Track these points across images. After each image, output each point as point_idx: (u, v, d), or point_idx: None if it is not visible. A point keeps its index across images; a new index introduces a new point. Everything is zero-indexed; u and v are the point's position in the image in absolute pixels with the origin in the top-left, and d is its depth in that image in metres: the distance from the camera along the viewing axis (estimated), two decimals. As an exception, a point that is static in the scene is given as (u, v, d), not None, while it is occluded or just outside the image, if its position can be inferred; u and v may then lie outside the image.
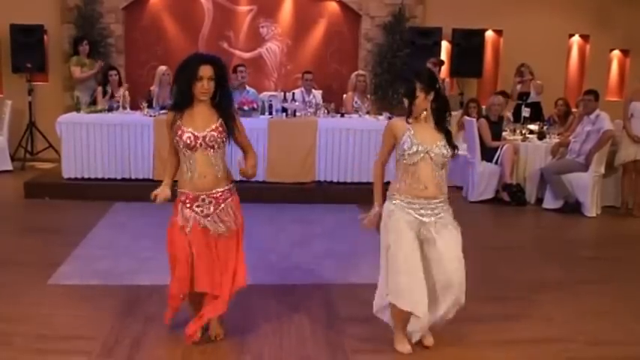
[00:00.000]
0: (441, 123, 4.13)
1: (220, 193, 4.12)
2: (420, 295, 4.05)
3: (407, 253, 4.05)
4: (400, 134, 4.09)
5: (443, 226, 4.11)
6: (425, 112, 4.08)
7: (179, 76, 4.03)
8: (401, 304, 4.09)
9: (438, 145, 4.05)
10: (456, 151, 4.15)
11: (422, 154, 4.02)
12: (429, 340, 4.40)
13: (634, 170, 8.68)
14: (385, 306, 4.37)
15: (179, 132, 4.02)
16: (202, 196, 4.08)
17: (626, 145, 8.62)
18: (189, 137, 3.99)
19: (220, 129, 4.05)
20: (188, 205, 4.10)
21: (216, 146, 4.05)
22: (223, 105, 4.10)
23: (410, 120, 4.11)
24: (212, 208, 4.10)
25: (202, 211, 4.09)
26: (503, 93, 10.40)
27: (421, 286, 4.05)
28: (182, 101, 4.05)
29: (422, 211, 4.07)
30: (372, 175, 4.39)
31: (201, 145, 4.01)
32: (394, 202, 4.13)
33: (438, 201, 4.10)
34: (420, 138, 4.04)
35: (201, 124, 4.03)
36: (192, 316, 4.36)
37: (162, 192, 4.19)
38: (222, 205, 4.13)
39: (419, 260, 4.07)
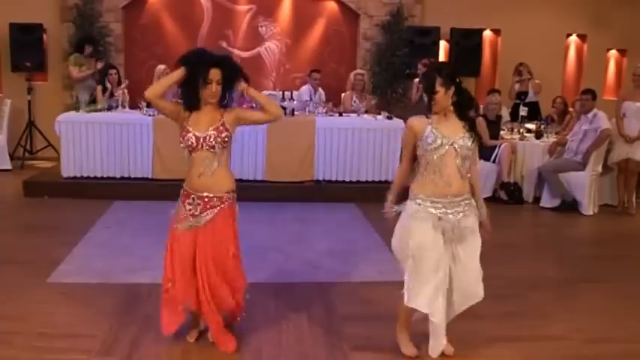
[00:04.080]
0: (463, 116, 4.05)
1: (208, 199, 4.08)
2: (440, 302, 4.03)
3: (432, 261, 3.98)
4: (421, 130, 3.99)
5: (467, 230, 4.05)
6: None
7: (188, 76, 3.98)
8: (420, 306, 4.03)
9: (462, 137, 3.97)
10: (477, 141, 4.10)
11: (447, 147, 3.94)
12: (449, 349, 4.33)
13: (627, 169, 8.73)
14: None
15: (183, 132, 4.04)
16: (193, 195, 4.09)
17: (619, 145, 8.69)
18: (191, 138, 4.00)
19: (221, 128, 4.03)
20: (183, 201, 4.13)
21: (216, 147, 4.02)
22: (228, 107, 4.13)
23: (430, 115, 4.05)
24: (199, 210, 4.08)
25: (190, 210, 4.10)
26: (495, 91, 10.47)
27: (443, 294, 4.04)
28: (190, 102, 4.05)
29: (445, 210, 3.98)
30: (395, 175, 4.32)
31: (202, 146, 4.01)
32: (418, 201, 4.02)
33: (461, 198, 4.02)
34: (444, 131, 3.97)
35: (204, 125, 4.03)
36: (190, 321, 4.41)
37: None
38: (208, 211, 4.08)
39: (445, 267, 4.02)
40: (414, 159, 4.11)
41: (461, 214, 4.02)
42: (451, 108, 4.02)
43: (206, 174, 4.06)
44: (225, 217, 4.12)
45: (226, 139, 4.06)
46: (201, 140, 4.00)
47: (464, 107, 4.06)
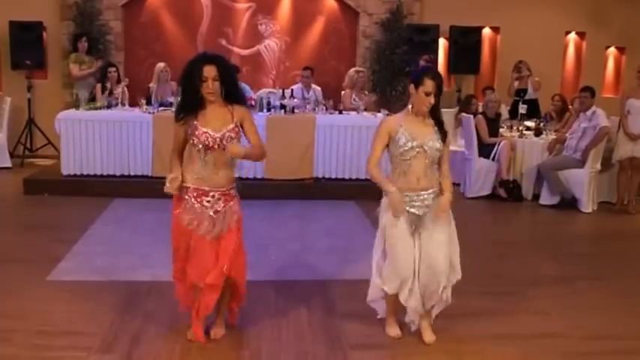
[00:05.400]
0: (435, 116, 4.22)
1: (228, 190, 4.19)
2: (406, 274, 4.21)
3: (399, 238, 4.18)
4: (394, 131, 4.17)
5: (434, 221, 4.20)
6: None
7: (185, 80, 4.07)
8: (388, 287, 4.28)
9: (432, 139, 4.15)
10: (447, 139, 4.25)
11: (417, 149, 4.12)
12: (430, 337, 4.42)
13: (630, 167, 8.71)
14: (378, 297, 4.50)
15: (196, 132, 4.05)
16: (213, 193, 4.13)
17: (623, 143, 8.65)
18: (207, 136, 4.03)
19: (237, 130, 4.11)
20: (199, 200, 4.14)
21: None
22: (233, 100, 4.15)
23: (403, 115, 4.25)
24: (222, 204, 4.16)
25: (212, 206, 4.14)
26: (489, 88, 10.51)
27: (409, 269, 4.20)
28: (192, 104, 4.08)
29: (413, 204, 4.19)
30: (370, 176, 4.29)
31: (219, 145, 4.05)
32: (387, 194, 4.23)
33: (429, 192, 4.21)
34: (414, 133, 4.13)
35: (217, 124, 4.07)
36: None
37: (177, 180, 4.15)
38: (231, 203, 4.20)
39: (411, 244, 4.20)
40: (383, 152, 4.31)
41: (426, 208, 4.21)
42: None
43: (224, 171, 4.15)
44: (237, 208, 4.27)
45: (239, 139, 4.15)
46: (219, 140, 4.04)
47: (437, 107, 4.21)
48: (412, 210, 4.18)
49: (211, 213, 4.13)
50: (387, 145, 4.25)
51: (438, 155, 4.19)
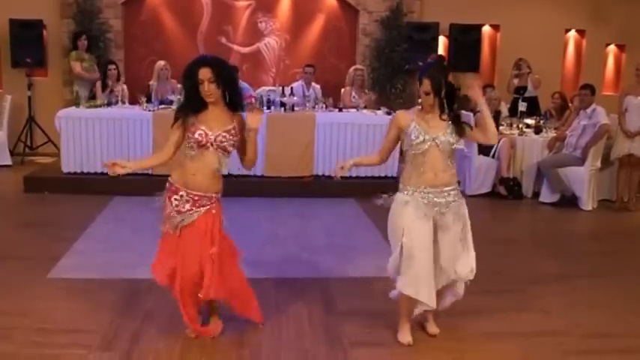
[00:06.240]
0: (449, 109, 4.18)
1: (199, 197, 4.12)
2: (428, 285, 4.14)
3: (420, 245, 4.11)
4: (406, 126, 4.18)
5: (451, 221, 4.19)
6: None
7: (184, 83, 4.11)
8: (409, 291, 4.14)
9: (445, 134, 4.13)
10: (467, 131, 4.25)
11: (429, 143, 4.10)
12: (435, 329, 4.48)
13: (628, 164, 8.72)
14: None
15: (192, 129, 4.05)
16: (182, 192, 4.11)
17: (621, 140, 8.66)
18: (201, 134, 4.03)
19: (233, 132, 4.09)
20: (169, 195, 4.17)
21: (227, 148, 4.09)
22: (233, 105, 4.15)
23: (416, 110, 4.24)
24: (186, 207, 4.12)
25: (176, 206, 4.13)
26: (489, 86, 10.49)
27: (429, 277, 4.14)
28: (194, 105, 4.08)
29: (431, 197, 4.14)
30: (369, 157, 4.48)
31: (212, 144, 4.05)
32: (406, 192, 4.19)
33: (449, 188, 4.19)
34: (426, 128, 4.13)
35: (214, 124, 4.07)
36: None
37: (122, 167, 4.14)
38: (196, 210, 4.12)
39: (431, 251, 4.15)
40: (390, 152, 4.39)
41: (447, 204, 4.18)
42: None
43: (204, 173, 4.10)
44: (211, 217, 4.15)
45: (235, 144, 4.13)
46: (212, 139, 4.04)
47: (450, 100, 4.18)
48: (435, 208, 4.14)
49: (175, 214, 4.14)
50: (399, 139, 4.27)
51: (451, 149, 4.16)
